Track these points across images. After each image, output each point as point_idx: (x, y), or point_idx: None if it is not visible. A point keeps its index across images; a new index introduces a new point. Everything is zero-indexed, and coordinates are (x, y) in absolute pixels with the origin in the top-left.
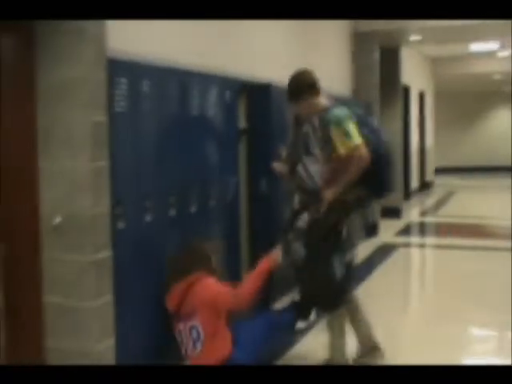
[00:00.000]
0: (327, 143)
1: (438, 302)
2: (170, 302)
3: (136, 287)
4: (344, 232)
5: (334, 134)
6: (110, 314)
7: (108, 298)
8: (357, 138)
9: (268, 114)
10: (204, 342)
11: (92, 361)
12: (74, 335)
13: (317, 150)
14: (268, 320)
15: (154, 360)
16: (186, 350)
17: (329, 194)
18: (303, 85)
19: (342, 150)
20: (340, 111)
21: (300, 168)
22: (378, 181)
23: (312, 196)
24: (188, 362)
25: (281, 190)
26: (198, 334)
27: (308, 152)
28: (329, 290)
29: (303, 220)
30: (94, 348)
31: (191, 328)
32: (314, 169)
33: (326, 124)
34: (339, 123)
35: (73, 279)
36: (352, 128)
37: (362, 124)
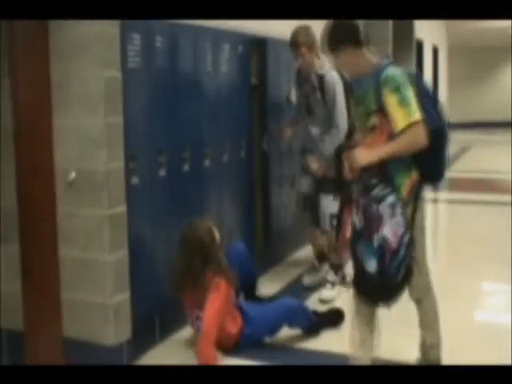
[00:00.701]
0: (376, 111)
1: (450, 257)
2: (186, 303)
3: (150, 242)
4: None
5: (389, 101)
6: (125, 267)
7: (123, 252)
8: (416, 111)
9: (278, 70)
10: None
11: (108, 313)
12: (89, 288)
13: (319, 111)
14: (285, 305)
15: (167, 317)
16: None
17: (363, 155)
18: (343, 32)
19: (399, 124)
20: (396, 71)
21: (305, 130)
22: (435, 163)
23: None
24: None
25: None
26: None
27: (310, 112)
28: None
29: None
30: (109, 301)
31: (197, 317)
32: (315, 132)
33: (377, 86)
34: (397, 87)
35: (88, 234)
36: (411, 95)
37: (419, 91)
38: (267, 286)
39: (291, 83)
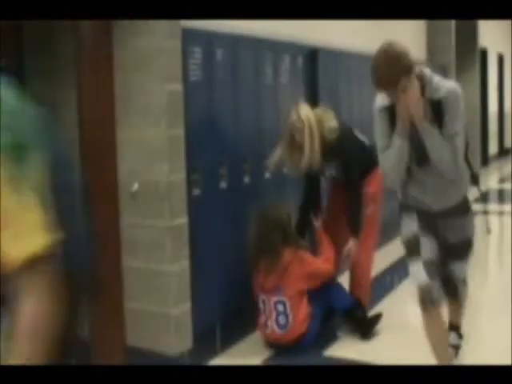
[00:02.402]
0: None
1: None
2: (261, 278)
3: (211, 253)
4: None
5: None
6: (187, 278)
7: (185, 263)
8: None
9: (337, 81)
10: (289, 317)
11: (170, 323)
12: (152, 298)
13: None
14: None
15: (228, 327)
16: (265, 319)
17: None
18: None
19: None
20: None
21: None
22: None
23: None
24: (265, 331)
25: None
26: (285, 308)
27: None
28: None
29: None
30: (171, 311)
31: (276, 302)
32: None
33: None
34: None
35: (151, 244)
36: None
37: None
38: None
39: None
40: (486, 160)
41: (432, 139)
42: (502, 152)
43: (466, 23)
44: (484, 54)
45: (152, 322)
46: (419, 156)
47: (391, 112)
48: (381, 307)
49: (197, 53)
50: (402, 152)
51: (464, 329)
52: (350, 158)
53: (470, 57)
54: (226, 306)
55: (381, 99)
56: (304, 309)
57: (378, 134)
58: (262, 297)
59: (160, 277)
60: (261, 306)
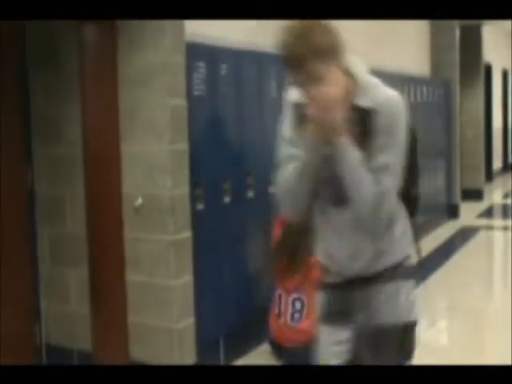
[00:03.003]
0: None
1: None
2: (283, 276)
3: (215, 267)
4: None
5: None
6: (190, 293)
7: (188, 277)
8: None
9: None
10: (306, 316)
11: (173, 338)
12: (155, 313)
13: None
14: None
15: (232, 341)
16: (278, 313)
17: None
18: None
19: None
20: None
21: None
22: None
23: None
24: (276, 323)
25: None
26: (302, 306)
27: None
28: None
29: None
30: (174, 326)
31: (295, 299)
32: None
33: None
34: None
35: (154, 259)
36: None
37: None
38: None
39: None
40: (490, 175)
41: (351, 167)
42: (506, 167)
43: (471, 40)
44: (488, 70)
45: (155, 336)
46: (336, 190)
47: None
48: None
49: (201, 67)
50: (303, 173)
51: (468, 346)
52: None
53: (475, 72)
54: (230, 321)
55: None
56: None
57: (283, 133)
58: (279, 291)
59: (164, 291)
60: (276, 298)
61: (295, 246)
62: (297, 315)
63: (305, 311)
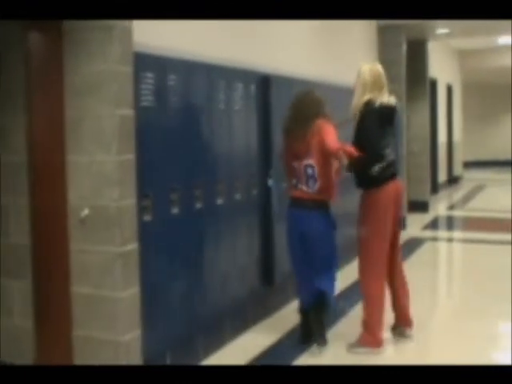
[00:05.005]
0: None
1: (464, 297)
2: (294, 143)
3: (162, 279)
4: None
5: None
6: (137, 305)
7: (135, 289)
8: None
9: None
10: (317, 182)
11: (119, 351)
12: (101, 325)
13: None
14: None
15: (178, 353)
16: (296, 183)
17: None
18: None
19: None
20: None
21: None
22: None
23: None
24: (294, 191)
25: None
26: (313, 171)
27: None
28: None
29: None
30: (120, 338)
31: (306, 166)
32: None
33: None
34: None
35: (100, 270)
36: None
37: None
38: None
39: None
40: (435, 188)
41: None
42: (451, 180)
43: (417, 55)
44: (434, 85)
45: (101, 349)
46: None
47: None
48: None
49: (149, 78)
50: None
51: (416, 353)
52: None
53: (421, 87)
54: (177, 333)
55: None
56: (329, 179)
57: None
58: (294, 164)
59: (110, 303)
60: (292, 172)
61: (308, 114)
62: (311, 182)
63: (317, 178)
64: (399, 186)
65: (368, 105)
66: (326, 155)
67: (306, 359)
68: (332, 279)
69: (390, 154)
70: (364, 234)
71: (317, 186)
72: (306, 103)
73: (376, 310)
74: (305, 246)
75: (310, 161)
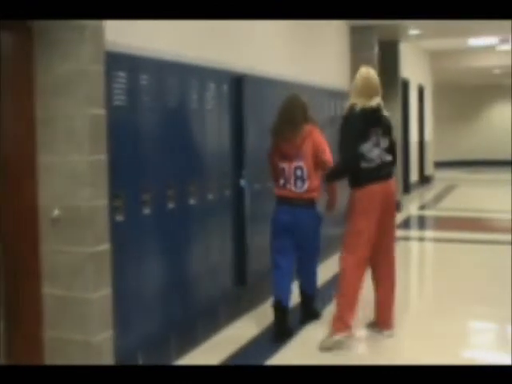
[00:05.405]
0: None
1: (437, 296)
2: (283, 144)
3: (134, 279)
4: None
5: None
6: (109, 306)
7: (107, 290)
8: None
9: (262, 107)
10: (305, 182)
11: (90, 352)
12: (72, 326)
13: None
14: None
15: (151, 353)
16: (284, 183)
17: None
18: None
19: None
20: None
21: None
22: None
23: None
24: (283, 190)
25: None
26: (302, 173)
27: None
28: None
29: None
30: (92, 339)
31: (296, 168)
32: None
33: None
34: None
35: (71, 271)
36: None
37: None
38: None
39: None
40: (407, 188)
41: None
42: (423, 180)
43: (389, 55)
44: (405, 85)
45: (73, 350)
46: None
47: None
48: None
49: (121, 77)
50: None
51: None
52: None
53: (393, 87)
54: (149, 334)
55: None
56: (317, 180)
57: None
58: (282, 165)
59: (81, 304)
60: (280, 172)
61: (296, 116)
62: (299, 182)
63: (305, 179)
64: (388, 188)
65: (350, 109)
66: (319, 163)
67: (280, 358)
68: (314, 273)
69: (380, 156)
70: (345, 229)
71: (305, 186)
72: (295, 105)
73: (345, 301)
74: (291, 239)
75: (301, 163)
